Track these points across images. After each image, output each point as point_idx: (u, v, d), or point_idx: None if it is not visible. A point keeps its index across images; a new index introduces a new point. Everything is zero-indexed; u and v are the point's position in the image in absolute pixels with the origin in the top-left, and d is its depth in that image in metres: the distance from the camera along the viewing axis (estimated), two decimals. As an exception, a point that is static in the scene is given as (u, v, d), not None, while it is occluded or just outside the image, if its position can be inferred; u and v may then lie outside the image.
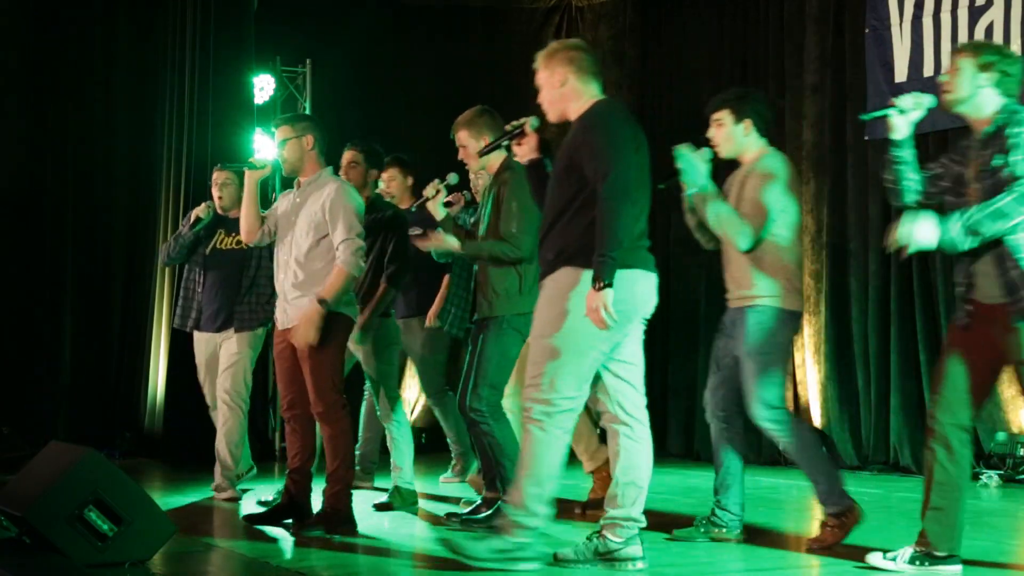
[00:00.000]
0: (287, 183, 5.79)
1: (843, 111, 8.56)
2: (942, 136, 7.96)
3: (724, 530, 5.04)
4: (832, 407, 8.42)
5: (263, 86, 9.41)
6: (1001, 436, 7.47)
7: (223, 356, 6.59)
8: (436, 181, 5.80)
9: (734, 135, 5.05)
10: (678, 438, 9.45)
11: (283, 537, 5.22)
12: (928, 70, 7.99)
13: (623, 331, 4.32)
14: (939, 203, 4.43)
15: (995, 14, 7.64)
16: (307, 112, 9.44)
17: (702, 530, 5.06)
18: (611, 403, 4.42)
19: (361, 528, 5.37)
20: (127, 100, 9.47)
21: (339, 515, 5.33)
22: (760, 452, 8.81)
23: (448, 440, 7.21)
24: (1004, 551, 5.09)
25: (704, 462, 8.92)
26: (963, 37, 7.79)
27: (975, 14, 7.73)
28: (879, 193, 8.29)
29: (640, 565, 4.31)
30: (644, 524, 4.41)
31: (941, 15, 7.92)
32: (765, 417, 4.92)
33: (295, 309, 5.38)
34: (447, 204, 5.82)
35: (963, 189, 4.28)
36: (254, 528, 5.45)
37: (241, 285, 6.58)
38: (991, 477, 7.30)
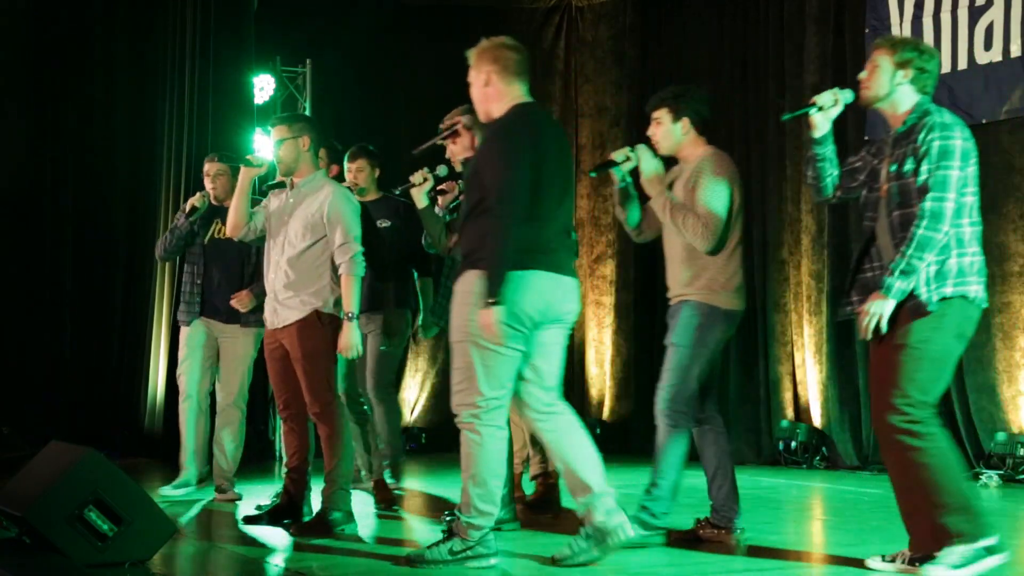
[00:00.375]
0: (275, 185, 5.77)
1: (844, 111, 8.53)
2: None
3: (722, 531, 5.06)
4: (832, 407, 8.42)
5: (263, 86, 9.41)
6: (1001, 436, 7.47)
7: (228, 354, 6.53)
8: (425, 170, 5.74)
9: (672, 133, 5.06)
10: (678, 438, 9.44)
11: (282, 537, 5.22)
12: (928, 70, 7.98)
13: (534, 333, 4.37)
14: (857, 197, 4.45)
15: (995, 14, 7.64)
16: (307, 112, 9.43)
17: (710, 532, 5.09)
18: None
19: (361, 528, 5.37)
20: (127, 100, 9.48)
21: (339, 515, 5.33)
22: (760, 452, 8.82)
23: (378, 442, 6.64)
24: (1004, 551, 5.07)
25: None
26: (963, 37, 7.79)
27: (975, 14, 7.73)
28: (879, 193, 8.30)
29: (492, 562, 4.40)
30: (494, 519, 4.46)
31: (941, 15, 7.91)
32: (664, 411, 4.95)
33: (286, 309, 5.37)
34: (440, 192, 5.83)
35: (876, 184, 4.31)
36: (254, 528, 5.45)
37: (244, 275, 6.52)
38: (991, 477, 7.30)
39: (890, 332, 4.15)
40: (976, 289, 4.17)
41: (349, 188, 6.35)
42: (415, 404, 10.14)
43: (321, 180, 5.50)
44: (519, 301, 4.27)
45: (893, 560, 4.26)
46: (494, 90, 4.48)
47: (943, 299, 4.11)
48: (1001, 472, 7.33)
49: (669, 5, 9.94)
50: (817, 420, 8.57)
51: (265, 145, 9.01)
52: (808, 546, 5.38)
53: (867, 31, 8.34)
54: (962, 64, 7.81)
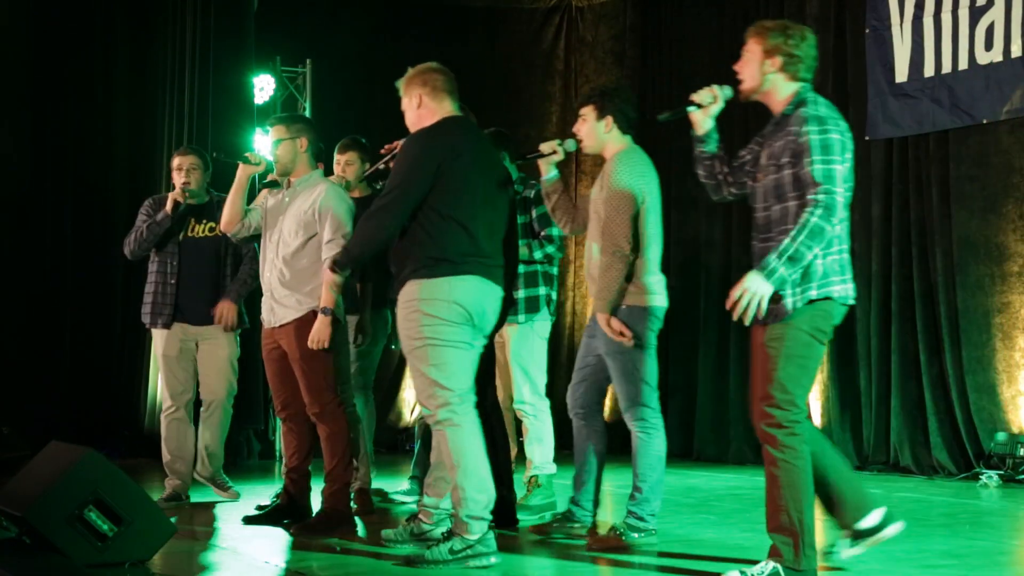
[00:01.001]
0: (269, 183, 5.76)
1: (844, 111, 8.47)
2: (943, 136, 7.97)
3: (577, 526, 5.08)
4: (833, 407, 8.42)
5: (263, 86, 9.41)
6: (1001, 436, 7.46)
7: (209, 356, 6.34)
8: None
9: (596, 131, 5.07)
10: (678, 438, 9.44)
11: (282, 537, 5.22)
12: (929, 70, 7.98)
13: (475, 334, 4.59)
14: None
15: (996, 14, 7.63)
16: (307, 112, 9.44)
17: (555, 525, 5.11)
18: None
19: (361, 528, 5.37)
20: (127, 100, 9.47)
21: (338, 515, 5.33)
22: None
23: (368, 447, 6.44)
24: (1004, 551, 5.09)
25: (704, 462, 8.93)
26: (964, 37, 7.78)
27: (976, 14, 7.72)
28: (881, 193, 8.29)
29: (493, 560, 4.44)
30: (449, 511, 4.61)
31: (942, 15, 7.91)
32: (630, 416, 4.96)
33: (283, 308, 5.37)
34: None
35: (757, 174, 4.20)
36: (254, 528, 5.45)
37: (220, 274, 6.35)
38: (991, 477, 7.30)
39: (759, 332, 4.06)
40: (840, 289, 4.05)
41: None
42: (415, 404, 10.14)
43: (317, 179, 5.52)
44: (460, 299, 4.48)
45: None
46: (427, 111, 4.73)
47: (809, 302, 3.99)
48: (1001, 472, 7.32)
49: (669, 5, 9.94)
50: (817, 420, 8.57)
51: (265, 145, 9.02)
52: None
53: (867, 31, 8.34)
54: (963, 64, 7.80)
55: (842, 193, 3.95)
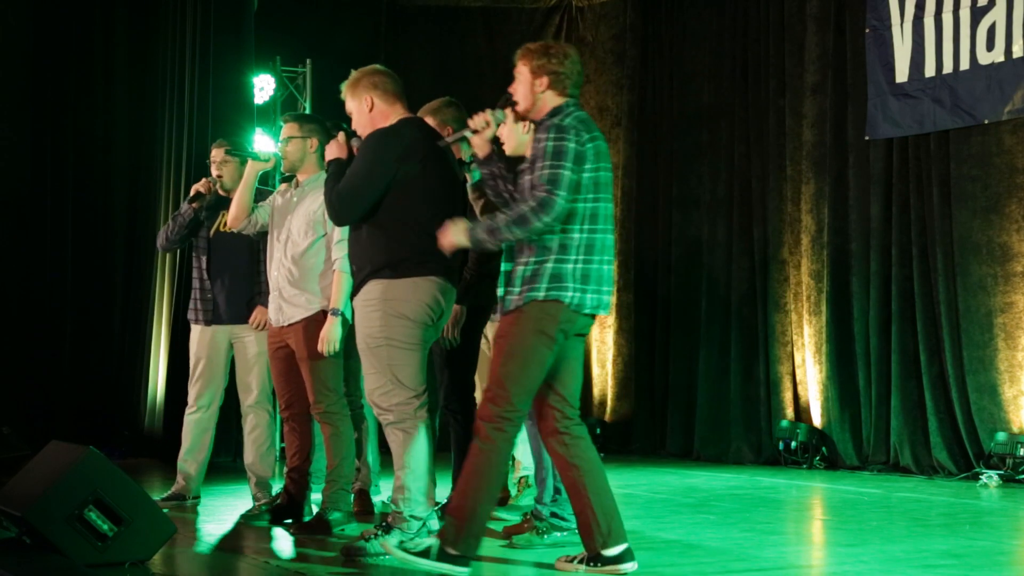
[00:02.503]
0: (286, 178, 5.77)
1: (844, 111, 8.55)
2: (944, 136, 7.97)
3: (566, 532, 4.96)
4: (833, 407, 8.41)
5: (263, 86, 9.41)
6: (1001, 436, 7.46)
7: (243, 354, 6.11)
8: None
9: (515, 131, 5.02)
10: (678, 438, 9.44)
11: (283, 537, 5.21)
12: (930, 71, 7.98)
13: (431, 327, 4.65)
14: None
15: (997, 14, 7.63)
16: (308, 112, 9.43)
17: (528, 527, 5.02)
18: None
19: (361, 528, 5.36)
20: (127, 100, 9.48)
21: (339, 515, 5.32)
22: (760, 452, 8.81)
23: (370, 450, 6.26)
24: (1004, 551, 5.08)
25: (704, 462, 8.93)
26: (964, 37, 7.78)
27: (977, 14, 7.72)
28: (881, 193, 8.29)
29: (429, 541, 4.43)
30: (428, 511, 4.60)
31: (943, 15, 7.91)
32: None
33: (291, 307, 5.37)
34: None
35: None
36: (254, 528, 5.44)
37: (253, 271, 6.13)
38: (991, 477, 7.30)
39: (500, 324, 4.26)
40: (575, 296, 4.16)
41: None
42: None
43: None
44: (426, 299, 4.55)
45: (573, 560, 4.31)
46: (379, 113, 4.77)
47: (533, 301, 4.13)
48: (1001, 472, 7.32)
49: (669, 5, 9.94)
50: (817, 420, 8.57)
51: (265, 145, 9.02)
52: (808, 546, 5.37)
53: (867, 31, 8.34)
54: (964, 64, 7.80)
55: (565, 199, 4.09)
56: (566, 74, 4.29)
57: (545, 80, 4.27)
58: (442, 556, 4.06)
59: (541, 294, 4.13)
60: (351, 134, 4.91)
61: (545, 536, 4.87)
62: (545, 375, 4.20)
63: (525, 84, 4.31)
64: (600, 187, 4.22)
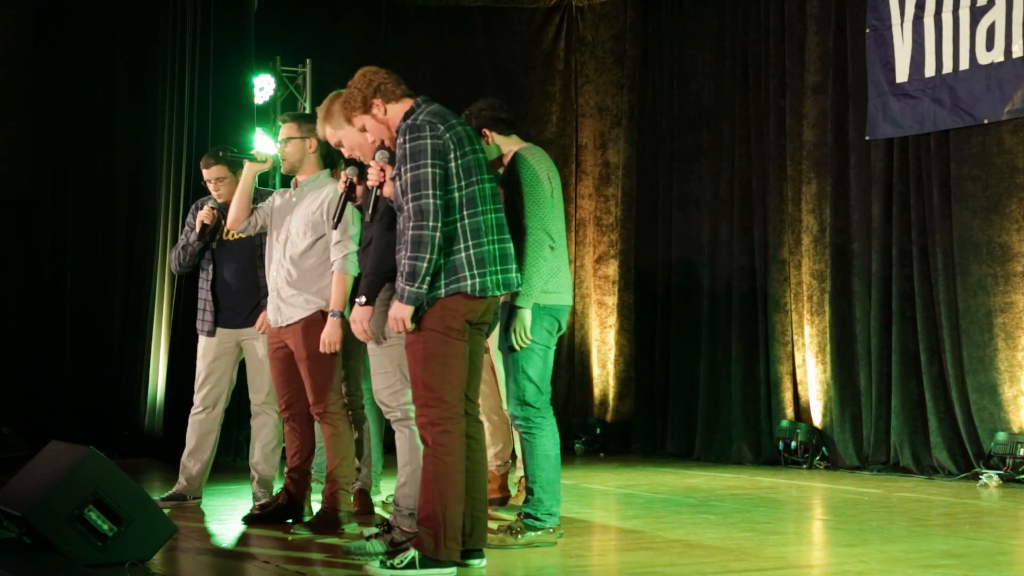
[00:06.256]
0: (286, 180, 5.77)
1: (844, 111, 8.55)
2: (944, 135, 7.97)
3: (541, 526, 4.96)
4: (833, 407, 8.41)
5: (263, 86, 9.40)
6: (1001, 436, 7.46)
7: (253, 357, 6.10)
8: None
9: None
10: (678, 438, 9.44)
11: (283, 537, 5.21)
12: (930, 70, 7.98)
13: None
14: None
15: (996, 14, 7.63)
16: (308, 112, 9.43)
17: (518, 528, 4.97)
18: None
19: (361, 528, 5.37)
20: (127, 100, 9.48)
21: (338, 515, 5.32)
22: (760, 452, 8.81)
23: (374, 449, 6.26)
24: (1004, 551, 5.08)
25: (704, 462, 8.93)
26: (964, 37, 7.78)
27: (976, 14, 7.72)
28: (882, 193, 8.29)
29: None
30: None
31: (942, 15, 7.91)
32: (515, 415, 4.98)
33: (290, 308, 5.37)
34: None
35: None
36: (254, 528, 5.44)
37: (257, 275, 6.08)
38: (991, 477, 7.30)
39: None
40: (472, 283, 4.21)
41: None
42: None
43: (324, 179, 5.50)
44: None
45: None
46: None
47: (436, 300, 4.19)
48: (1001, 472, 7.32)
49: (669, 5, 9.93)
50: (817, 420, 8.57)
51: (265, 145, 9.01)
52: (808, 546, 5.37)
53: (868, 31, 8.34)
54: (963, 64, 7.80)
55: (439, 195, 4.13)
56: (380, 81, 4.34)
57: (378, 100, 4.32)
58: (425, 564, 4.14)
59: (442, 291, 4.20)
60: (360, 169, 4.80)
61: (519, 536, 4.86)
62: (467, 365, 4.27)
63: (368, 120, 4.37)
64: (472, 171, 4.24)
